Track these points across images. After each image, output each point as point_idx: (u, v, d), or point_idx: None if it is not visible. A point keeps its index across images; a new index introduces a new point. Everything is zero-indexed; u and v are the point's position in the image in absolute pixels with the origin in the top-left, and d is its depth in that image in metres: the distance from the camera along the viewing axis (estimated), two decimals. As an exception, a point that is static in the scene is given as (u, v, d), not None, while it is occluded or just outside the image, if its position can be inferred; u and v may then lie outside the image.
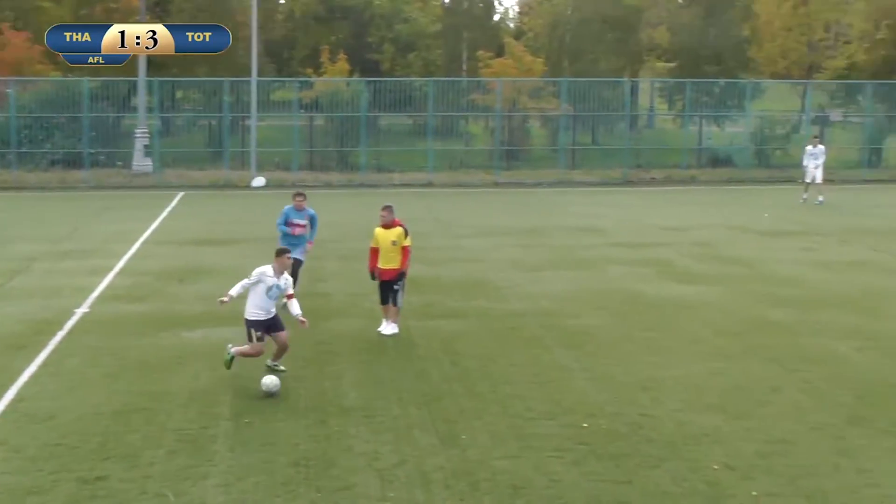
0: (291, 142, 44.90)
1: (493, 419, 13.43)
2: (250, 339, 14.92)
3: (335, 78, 48.55)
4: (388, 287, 17.80)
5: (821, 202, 36.83)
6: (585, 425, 13.21)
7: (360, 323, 18.67)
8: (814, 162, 37.06)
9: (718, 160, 47.90)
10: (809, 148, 37.56)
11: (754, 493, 11.18)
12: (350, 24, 61.56)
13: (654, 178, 45.33)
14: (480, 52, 52.98)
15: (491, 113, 46.59)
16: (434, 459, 12.08)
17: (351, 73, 50.99)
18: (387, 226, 17.79)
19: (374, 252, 17.78)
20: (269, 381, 14.33)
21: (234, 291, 14.94)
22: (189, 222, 32.33)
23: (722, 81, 50.51)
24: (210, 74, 47.14)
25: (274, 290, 14.82)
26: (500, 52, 54.34)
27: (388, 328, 17.90)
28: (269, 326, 14.96)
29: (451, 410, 13.84)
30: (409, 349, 17.02)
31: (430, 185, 43.27)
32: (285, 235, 19.21)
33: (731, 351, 16.98)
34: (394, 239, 17.67)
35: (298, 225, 19.21)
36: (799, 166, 38.99)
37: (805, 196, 37.27)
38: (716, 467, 11.87)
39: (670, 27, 61.67)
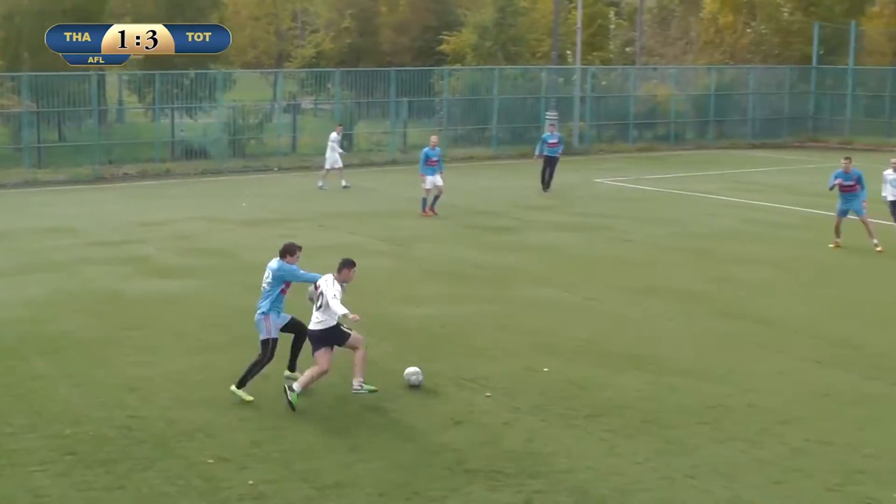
0: None
1: (-36, 438, 12.50)
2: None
3: None
4: None
5: (346, 186, 37.38)
6: (70, 433, 12.59)
7: None
8: (337, 149, 37.80)
9: (193, 152, 47.63)
10: (333, 135, 38.24)
11: (251, 482, 11.14)
12: None
13: (127, 174, 44.25)
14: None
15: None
16: None
17: None
18: None
19: None
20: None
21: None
22: None
23: (192, 73, 50.22)
24: None
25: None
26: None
27: None
28: None
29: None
30: None
31: None
32: None
33: (217, 343, 16.86)
34: None
35: None
36: (319, 156, 39.60)
37: (321, 183, 37.76)
38: (210, 461, 11.73)
39: (135, 18, 60.70)
